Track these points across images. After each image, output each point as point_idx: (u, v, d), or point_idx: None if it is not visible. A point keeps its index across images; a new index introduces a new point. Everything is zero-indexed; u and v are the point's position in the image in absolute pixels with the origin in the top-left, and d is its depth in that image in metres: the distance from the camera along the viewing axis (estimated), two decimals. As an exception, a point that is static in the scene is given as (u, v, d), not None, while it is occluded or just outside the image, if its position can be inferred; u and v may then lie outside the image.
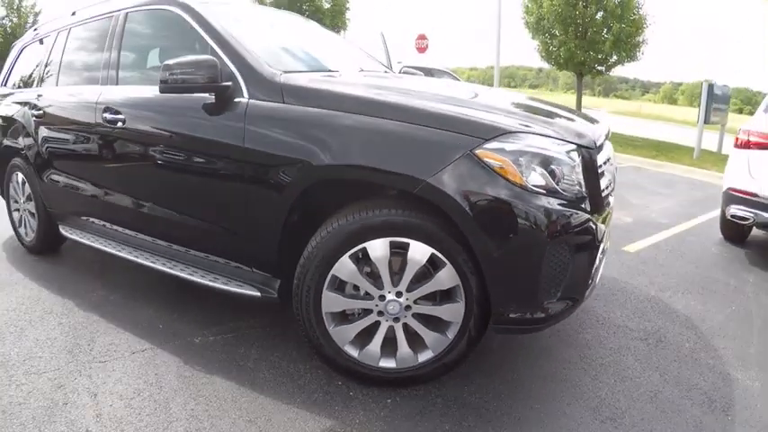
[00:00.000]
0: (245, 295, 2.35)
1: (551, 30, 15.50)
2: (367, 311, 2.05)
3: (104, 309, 2.92)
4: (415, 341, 2.07)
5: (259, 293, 2.31)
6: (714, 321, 2.96)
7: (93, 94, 3.04)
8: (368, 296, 2.02)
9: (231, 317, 2.79)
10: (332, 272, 2.00)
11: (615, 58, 15.38)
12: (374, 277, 1.99)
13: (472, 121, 1.89)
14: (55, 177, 3.45)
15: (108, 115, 2.84)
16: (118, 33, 3.09)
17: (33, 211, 3.80)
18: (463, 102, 2.22)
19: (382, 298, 2.00)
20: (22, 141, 3.74)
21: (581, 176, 1.92)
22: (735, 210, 4.13)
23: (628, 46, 14.81)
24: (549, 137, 1.92)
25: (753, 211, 4.00)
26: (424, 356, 2.07)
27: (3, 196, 4.34)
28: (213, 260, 2.58)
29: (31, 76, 4.02)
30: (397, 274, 1.98)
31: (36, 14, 27.93)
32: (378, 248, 1.93)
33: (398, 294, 1.98)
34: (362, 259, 1.98)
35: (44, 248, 3.87)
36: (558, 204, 1.83)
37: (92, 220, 3.33)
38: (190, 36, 2.62)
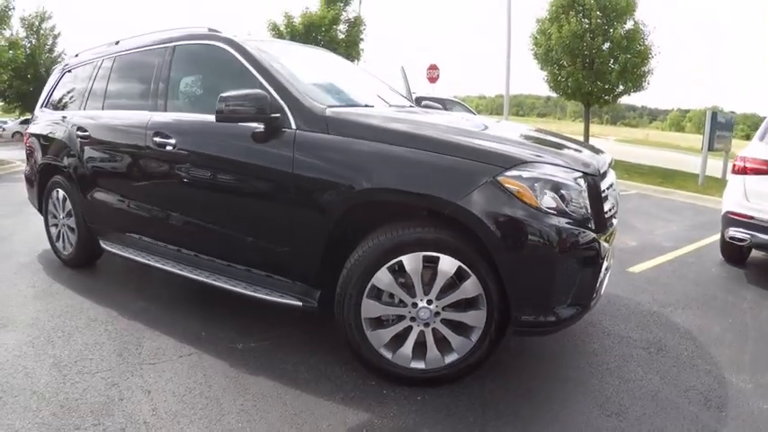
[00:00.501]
0: (287, 305, 2.61)
1: (560, 61, 15.97)
2: (400, 317, 2.34)
3: (146, 317, 3.15)
4: (442, 344, 2.34)
5: (300, 303, 2.59)
6: (711, 333, 3.22)
7: (143, 118, 3.30)
8: (402, 304, 2.32)
9: (267, 326, 3.03)
10: (372, 281, 2.29)
11: (621, 87, 15.79)
12: (407, 287, 2.29)
13: (494, 152, 2.21)
14: (99, 195, 3.70)
15: (158, 139, 3.11)
16: (166, 64, 3.36)
17: (73, 226, 4.03)
18: (484, 135, 2.55)
19: (414, 305, 2.29)
20: (65, 160, 3.99)
21: (587, 200, 2.23)
22: (732, 232, 4.41)
23: (634, 76, 15.23)
24: (560, 165, 2.24)
25: (749, 232, 4.28)
26: (450, 358, 2.35)
27: (40, 212, 4.58)
28: (254, 273, 2.83)
29: (73, 98, 4.29)
30: (427, 285, 2.27)
31: (55, 36, 27.82)
32: (412, 261, 2.23)
33: (429, 302, 2.27)
34: (398, 271, 2.28)
35: (81, 262, 4.12)
36: (567, 224, 2.14)
37: (135, 235, 3.53)
38: (235, 69, 2.91)
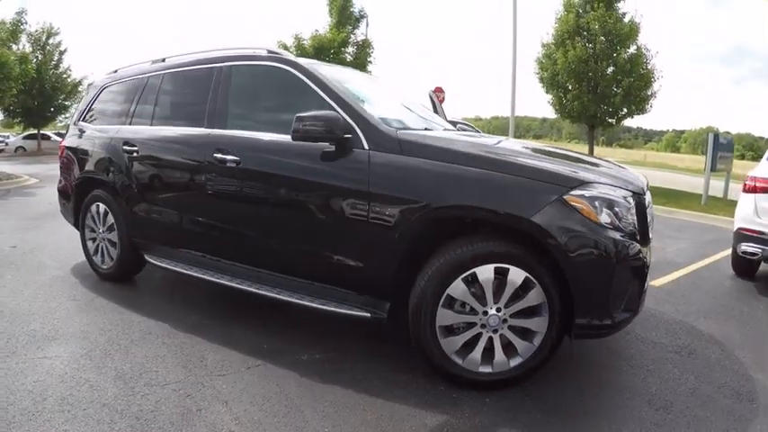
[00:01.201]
0: (356, 317, 2.79)
1: (565, 85, 16.48)
2: (471, 324, 2.57)
3: (202, 330, 3.23)
4: (508, 349, 2.58)
5: (369, 314, 2.77)
6: (734, 338, 3.57)
7: (201, 135, 3.40)
8: (473, 312, 2.57)
9: (325, 338, 3.17)
10: (447, 291, 2.54)
11: (625, 110, 16.30)
12: (478, 296, 2.56)
13: (560, 174, 2.54)
14: (148, 209, 3.76)
15: (219, 155, 3.22)
16: (223, 83, 3.45)
17: (115, 240, 4.05)
18: (545, 158, 2.86)
19: (485, 313, 2.54)
20: (109, 174, 4.05)
21: (634, 216, 2.58)
22: (745, 247, 4.78)
23: (637, 99, 15.75)
24: (614, 186, 2.58)
25: (761, 246, 4.66)
26: (515, 362, 2.59)
27: (76, 226, 4.56)
28: (315, 286, 2.98)
29: (116, 113, 4.31)
30: (496, 294, 2.56)
31: (61, 53, 27.48)
32: (485, 272, 2.52)
33: (498, 310, 2.56)
34: (471, 281, 2.56)
35: (121, 276, 4.17)
36: (621, 237, 2.48)
37: (188, 250, 3.60)
38: (300, 91, 3.08)
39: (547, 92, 17.11)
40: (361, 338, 3.22)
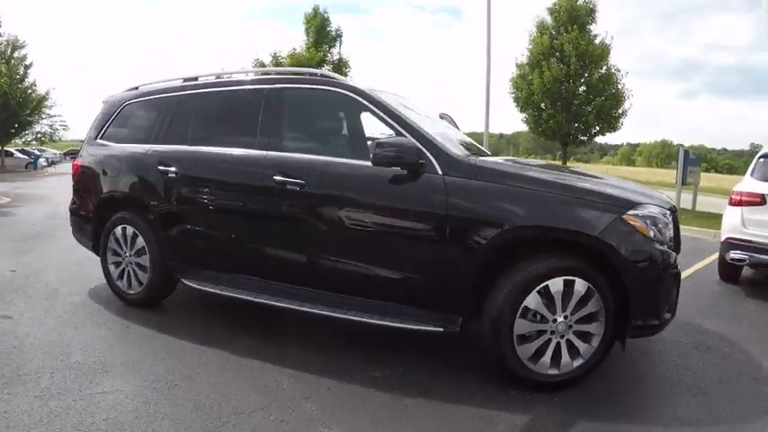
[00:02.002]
0: (427, 332, 3.02)
1: (540, 104, 17.37)
2: (541, 332, 2.90)
3: (263, 354, 3.24)
4: (571, 352, 2.93)
5: (441, 329, 3.00)
6: (738, 335, 4.18)
7: (256, 157, 3.40)
8: (544, 320, 2.89)
9: (387, 355, 3.31)
10: (524, 303, 2.85)
11: (598, 128, 17.31)
12: (549, 306, 2.87)
13: (618, 197, 3.01)
14: (189, 232, 3.69)
15: (280, 178, 3.28)
16: (275, 105, 3.48)
17: (145, 264, 3.90)
18: (599, 183, 3.32)
19: (554, 321, 2.89)
20: (141, 196, 3.92)
21: (671, 230, 3.12)
22: (733, 254, 5.49)
23: (610, 118, 16.78)
24: (658, 206, 3.12)
25: (748, 254, 5.37)
26: (578, 362, 2.95)
27: (95, 250, 4.31)
28: (376, 303, 3.14)
29: (141, 132, 4.14)
30: (563, 303, 2.94)
31: (27, 66, 26.69)
32: (556, 284, 2.85)
33: (565, 317, 2.89)
34: (543, 293, 2.86)
35: (150, 301, 4.01)
36: (665, 248, 2.97)
37: (239, 274, 3.55)
38: (360, 115, 3.35)
39: (522, 111, 17.94)
40: (417, 354, 3.40)
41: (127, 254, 4.04)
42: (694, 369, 3.47)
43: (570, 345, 2.95)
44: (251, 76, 3.82)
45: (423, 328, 3.04)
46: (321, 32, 21.64)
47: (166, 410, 2.53)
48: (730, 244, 5.58)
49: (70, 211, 4.72)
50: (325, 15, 21.72)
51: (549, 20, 17.41)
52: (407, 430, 2.52)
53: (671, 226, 3.13)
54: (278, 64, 20.83)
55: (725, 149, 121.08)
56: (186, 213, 3.74)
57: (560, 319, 2.92)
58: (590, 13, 16.94)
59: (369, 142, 3.35)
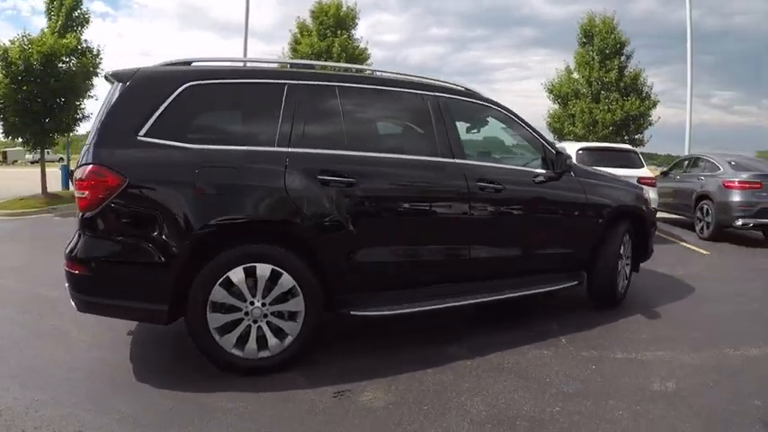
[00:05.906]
0: (566, 287, 4.09)
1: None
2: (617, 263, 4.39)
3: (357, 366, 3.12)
4: None
5: (576, 282, 4.16)
6: (750, 293, 5.34)
7: (451, 165, 3.49)
8: (628, 258, 4.65)
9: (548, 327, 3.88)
10: (620, 252, 4.37)
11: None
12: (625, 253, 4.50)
13: (636, 184, 5.21)
14: (371, 254, 3.22)
15: (483, 184, 3.59)
16: (444, 114, 3.56)
17: (297, 309, 2.99)
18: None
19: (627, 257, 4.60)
20: (294, 217, 3.01)
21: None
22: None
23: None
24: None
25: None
26: None
27: (172, 315, 2.89)
28: (523, 279, 3.92)
29: (239, 127, 3.26)
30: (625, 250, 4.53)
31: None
32: (627, 238, 4.56)
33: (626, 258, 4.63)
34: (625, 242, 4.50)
35: (295, 359, 3.04)
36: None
37: (420, 288, 3.47)
38: (511, 129, 4.15)
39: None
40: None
41: (257, 304, 2.94)
42: (715, 343, 3.75)
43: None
44: (411, 79, 3.73)
45: (565, 285, 4.10)
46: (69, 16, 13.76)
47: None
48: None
49: (91, 262, 2.87)
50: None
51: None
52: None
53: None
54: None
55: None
56: (367, 230, 3.20)
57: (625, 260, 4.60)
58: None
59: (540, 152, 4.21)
